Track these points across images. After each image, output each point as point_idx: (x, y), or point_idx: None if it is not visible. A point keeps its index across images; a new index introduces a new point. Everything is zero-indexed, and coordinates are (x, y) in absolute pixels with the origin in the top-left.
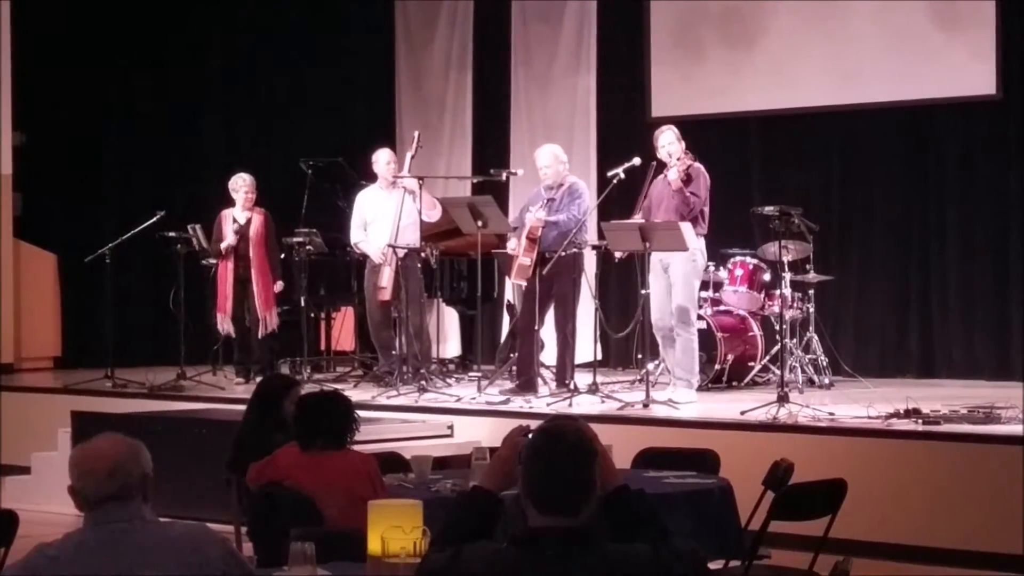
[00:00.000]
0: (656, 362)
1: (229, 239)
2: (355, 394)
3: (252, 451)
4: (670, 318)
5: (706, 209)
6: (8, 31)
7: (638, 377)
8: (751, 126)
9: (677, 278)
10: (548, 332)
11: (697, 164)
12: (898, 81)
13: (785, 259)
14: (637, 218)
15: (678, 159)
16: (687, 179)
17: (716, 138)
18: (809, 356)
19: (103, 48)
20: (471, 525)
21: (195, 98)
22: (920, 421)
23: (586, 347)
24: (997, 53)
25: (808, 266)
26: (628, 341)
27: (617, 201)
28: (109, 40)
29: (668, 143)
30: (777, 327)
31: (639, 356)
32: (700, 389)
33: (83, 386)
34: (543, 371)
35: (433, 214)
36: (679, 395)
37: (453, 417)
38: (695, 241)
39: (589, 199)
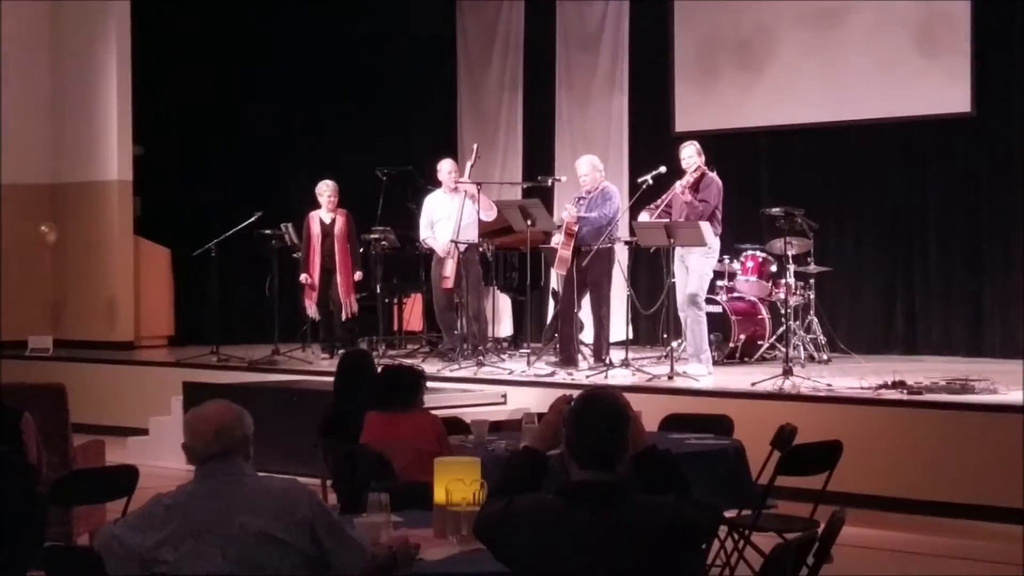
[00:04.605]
0: (679, 341)
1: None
2: (423, 367)
3: (341, 416)
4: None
5: (719, 212)
6: (129, 61)
7: (664, 353)
8: (761, 139)
9: (693, 267)
10: (587, 314)
11: (711, 174)
12: (886, 100)
13: (790, 253)
14: (646, 215)
15: (694, 170)
16: (696, 187)
17: (731, 149)
18: (810, 336)
19: (208, 74)
20: (522, 479)
21: (289, 116)
22: (905, 391)
23: (620, 328)
24: (971, 76)
25: (809, 259)
26: (655, 322)
27: (646, 203)
28: (214, 68)
29: (688, 156)
30: (783, 311)
31: (664, 336)
32: (716, 364)
33: (192, 360)
34: (582, 348)
35: (490, 214)
36: (691, 369)
37: (506, 387)
38: (712, 239)
39: (620, 201)
